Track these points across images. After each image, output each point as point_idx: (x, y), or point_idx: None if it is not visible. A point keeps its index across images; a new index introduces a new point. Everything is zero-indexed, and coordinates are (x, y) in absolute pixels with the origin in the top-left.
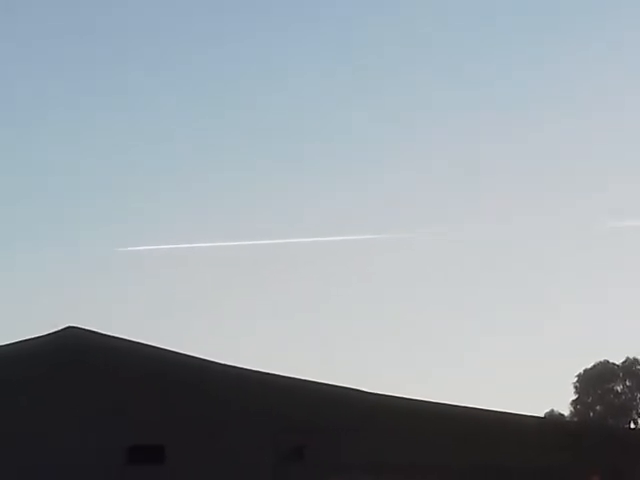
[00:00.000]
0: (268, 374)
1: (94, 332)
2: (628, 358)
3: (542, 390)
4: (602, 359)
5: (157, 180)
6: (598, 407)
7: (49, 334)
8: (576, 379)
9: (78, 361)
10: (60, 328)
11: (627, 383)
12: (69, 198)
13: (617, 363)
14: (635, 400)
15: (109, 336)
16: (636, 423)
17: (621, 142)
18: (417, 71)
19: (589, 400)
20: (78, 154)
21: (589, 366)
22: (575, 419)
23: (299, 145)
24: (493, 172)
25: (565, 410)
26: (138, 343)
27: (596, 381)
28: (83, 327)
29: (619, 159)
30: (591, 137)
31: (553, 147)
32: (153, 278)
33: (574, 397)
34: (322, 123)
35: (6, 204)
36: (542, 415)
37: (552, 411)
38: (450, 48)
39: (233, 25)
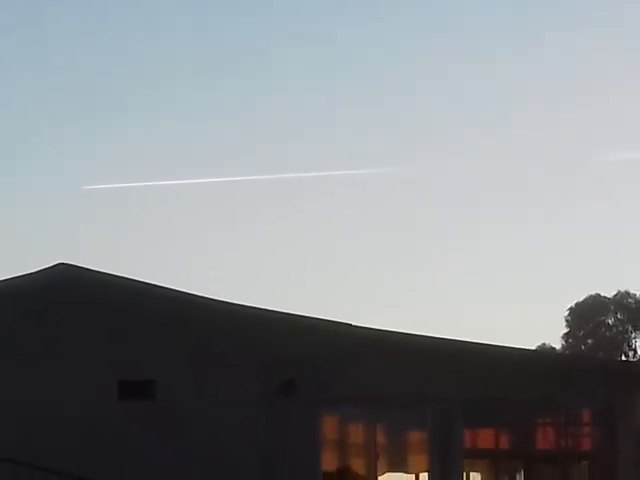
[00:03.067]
0: (256, 308)
1: (85, 268)
2: (619, 291)
3: (534, 324)
4: (593, 292)
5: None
6: (590, 340)
7: (39, 271)
8: (567, 312)
9: (70, 297)
10: (51, 265)
11: (618, 316)
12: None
13: (608, 296)
14: (626, 333)
15: (101, 272)
16: (627, 356)
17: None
18: None
19: (581, 333)
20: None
21: (580, 299)
22: (567, 352)
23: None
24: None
25: (557, 344)
26: (130, 279)
27: (587, 314)
28: (74, 263)
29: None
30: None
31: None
32: (126, 216)
33: (566, 330)
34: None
35: None
36: (534, 348)
37: (544, 344)
38: None
39: None
